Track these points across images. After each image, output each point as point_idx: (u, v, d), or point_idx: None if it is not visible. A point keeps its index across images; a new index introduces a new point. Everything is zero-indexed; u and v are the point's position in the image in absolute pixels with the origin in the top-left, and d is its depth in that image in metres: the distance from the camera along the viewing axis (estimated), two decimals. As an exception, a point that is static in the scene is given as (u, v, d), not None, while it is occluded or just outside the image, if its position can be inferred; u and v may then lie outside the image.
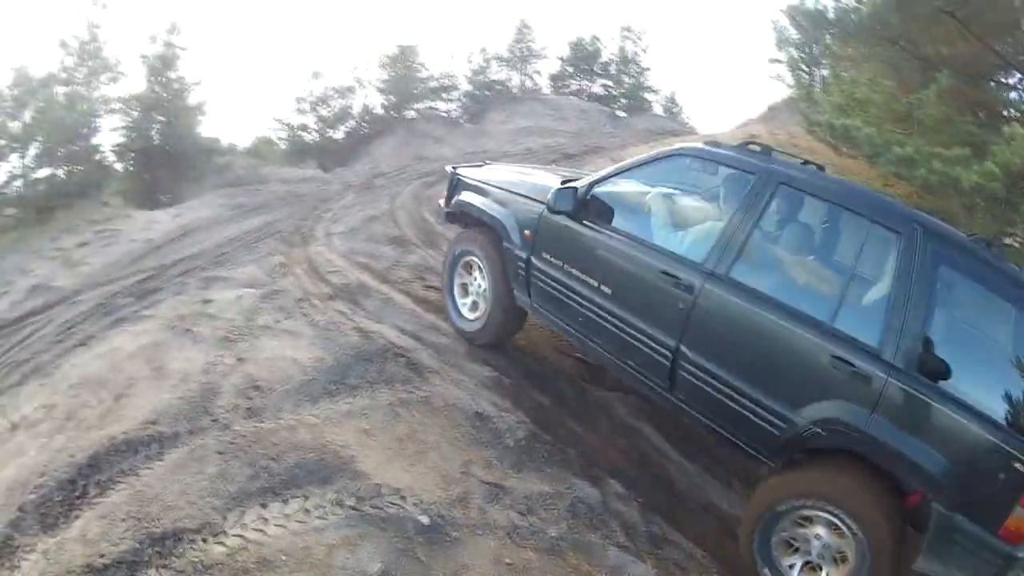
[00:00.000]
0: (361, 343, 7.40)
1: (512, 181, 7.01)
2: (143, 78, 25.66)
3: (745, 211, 5.24)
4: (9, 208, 22.32)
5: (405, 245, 10.60)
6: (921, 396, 4.33)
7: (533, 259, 6.43)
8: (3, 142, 21.57)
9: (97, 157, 24.33)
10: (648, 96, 40.09)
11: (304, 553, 4.72)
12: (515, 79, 37.94)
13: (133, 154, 25.71)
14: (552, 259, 6.27)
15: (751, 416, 4.95)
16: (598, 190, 6.09)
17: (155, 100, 25.32)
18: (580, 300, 6.04)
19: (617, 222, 5.93)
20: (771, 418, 4.83)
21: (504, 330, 7.38)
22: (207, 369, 7.08)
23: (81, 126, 22.90)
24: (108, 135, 24.75)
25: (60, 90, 22.92)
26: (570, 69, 39.24)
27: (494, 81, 36.97)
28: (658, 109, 39.68)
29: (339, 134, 31.88)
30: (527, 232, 6.49)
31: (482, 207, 7.02)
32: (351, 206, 14.31)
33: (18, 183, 22.17)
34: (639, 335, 5.57)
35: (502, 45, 38.95)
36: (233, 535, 4.90)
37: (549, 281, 6.31)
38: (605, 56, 39.28)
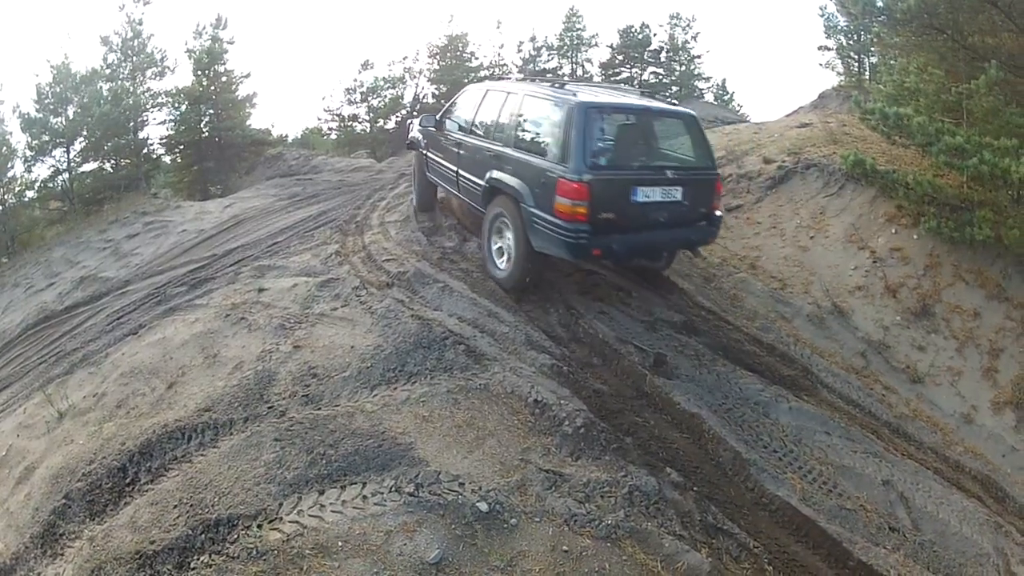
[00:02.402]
0: (420, 330, 7.29)
1: None
2: (190, 72, 25.93)
3: (477, 105, 9.70)
4: (55, 202, 22.61)
5: (461, 232, 10.57)
6: (512, 155, 8.31)
7: (427, 153, 11.12)
8: (46, 138, 21.82)
9: (145, 150, 24.57)
10: (699, 84, 39.85)
11: (361, 539, 4.64)
12: (566, 67, 37.86)
13: (182, 146, 25.95)
14: (432, 150, 10.94)
15: (474, 190, 9.14)
16: (446, 114, 10.58)
17: (203, 93, 25.48)
18: (439, 164, 10.60)
19: (449, 127, 10.27)
20: (478, 187, 8.94)
21: (427, 197, 12.02)
22: (262, 357, 7.03)
23: (128, 120, 23.09)
24: (156, 128, 25.06)
25: (104, 86, 23.11)
26: (620, 57, 38.91)
27: (544, 69, 36.89)
28: (709, 97, 39.38)
29: (390, 124, 31.91)
30: (425, 141, 11.24)
31: (415, 135, 11.85)
32: (405, 195, 14.02)
33: (63, 177, 22.44)
34: (449, 171, 10.08)
35: (552, 32, 38.85)
36: (289, 521, 4.82)
37: (432, 161, 10.95)
38: (655, 44, 38.90)
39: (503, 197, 8.40)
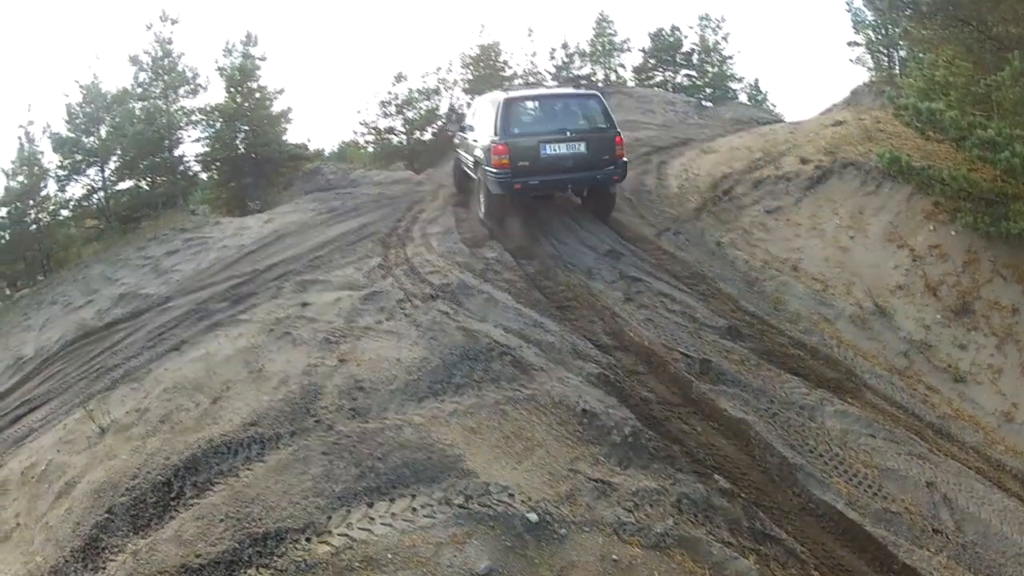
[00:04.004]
0: (465, 342, 7.32)
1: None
2: (223, 89, 25.89)
3: (474, 112, 14.07)
4: (91, 220, 22.71)
5: (504, 242, 10.75)
6: (482, 138, 12.20)
7: (458, 151, 14.91)
8: (79, 157, 21.91)
9: (181, 168, 24.60)
10: (733, 84, 39.32)
11: (411, 551, 4.66)
12: (599, 73, 37.56)
13: (218, 163, 25.89)
14: (459, 148, 14.65)
15: (471, 166, 13.10)
16: (464, 121, 15.09)
17: (237, 110, 25.45)
18: (463, 156, 14.26)
19: (464, 129, 14.12)
20: (472, 163, 12.84)
21: (461, 183, 15.10)
22: (308, 371, 7.07)
23: (162, 139, 23.11)
24: (191, 146, 24.93)
25: (136, 105, 23.19)
26: (652, 61, 38.36)
27: (578, 76, 36.59)
28: (743, 97, 38.93)
29: (427, 135, 31.74)
30: (457, 142, 15.06)
31: (456, 140, 15.64)
32: (445, 206, 14.63)
33: (99, 196, 22.53)
34: (464, 157, 13.93)
35: (583, 38, 38.42)
36: (338, 534, 4.86)
37: (460, 155, 14.70)
38: (687, 46, 38.14)
39: (481, 166, 12.16)
